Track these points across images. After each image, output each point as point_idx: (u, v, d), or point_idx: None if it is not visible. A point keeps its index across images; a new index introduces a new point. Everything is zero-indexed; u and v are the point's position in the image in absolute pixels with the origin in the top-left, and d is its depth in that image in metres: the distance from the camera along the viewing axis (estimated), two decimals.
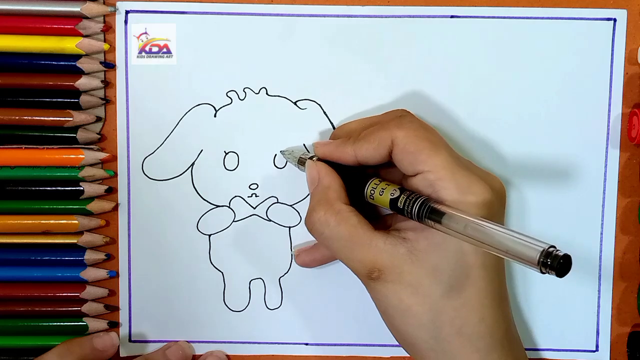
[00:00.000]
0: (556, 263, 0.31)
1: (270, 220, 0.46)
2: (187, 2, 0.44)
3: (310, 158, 0.42)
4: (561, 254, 0.31)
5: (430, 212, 0.36)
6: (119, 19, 0.44)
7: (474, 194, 0.37)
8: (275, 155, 0.45)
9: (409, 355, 0.46)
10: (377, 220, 0.43)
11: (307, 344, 0.46)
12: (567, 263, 0.31)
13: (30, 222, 0.44)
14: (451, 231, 0.35)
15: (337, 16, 0.44)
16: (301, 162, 0.43)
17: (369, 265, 0.38)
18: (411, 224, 0.38)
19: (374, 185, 0.39)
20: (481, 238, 0.33)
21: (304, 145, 0.45)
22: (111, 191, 0.45)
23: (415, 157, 0.38)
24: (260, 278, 0.46)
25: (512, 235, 0.32)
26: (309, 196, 0.41)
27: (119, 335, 0.46)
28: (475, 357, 0.37)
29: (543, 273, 0.31)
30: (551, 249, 0.31)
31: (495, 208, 0.38)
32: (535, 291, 0.46)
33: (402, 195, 0.38)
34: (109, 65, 0.44)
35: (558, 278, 0.31)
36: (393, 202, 0.38)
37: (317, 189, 0.41)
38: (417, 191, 0.38)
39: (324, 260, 0.45)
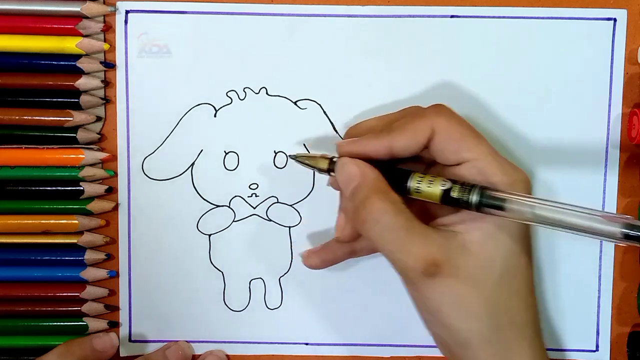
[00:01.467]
0: None
1: (270, 220, 0.46)
2: (187, 1, 0.44)
3: (331, 158, 0.41)
4: None
5: (491, 199, 0.36)
6: (119, 18, 0.44)
7: (521, 180, 0.37)
8: (276, 155, 0.45)
9: (409, 355, 0.46)
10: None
11: (307, 344, 0.46)
12: None
13: (30, 222, 0.44)
14: (518, 216, 0.35)
15: (337, 16, 0.44)
16: (323, 163, 0.40)
17: (427, 259, 0.36)
18: (457, 217, 0.37)
19: (419, 178, 0.38)
20: (554, 219, 0.33)
21: (304, 145, 0.45)
22: (111, 191, 0.45)
23: (461, 144, 0.37)
24: (260, 278, 0.46)
25: (587, 213, 0.33)
26: (352, 192, 0.38)
27: (118, 335, 0.46)
28: (524, 344, 0.37)
29: (627, 244, 0.33)
30: (631, 221, 0.32)
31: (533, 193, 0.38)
32: (536, 291, 0.46)
33: (456, 185, 0.37)
34: (109, 65, 0.44)
35: None
36: (445, 193, 0.37)
37: (365, 182, 0.38)
38: (462, 179, 0.37)
39: (334, 262, 0.44)
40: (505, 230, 0.37)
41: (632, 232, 0.32)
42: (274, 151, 0.45)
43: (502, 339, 0.37)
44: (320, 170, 0.41)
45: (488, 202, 0.36)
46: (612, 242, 0.32)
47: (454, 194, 0.36)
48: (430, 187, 0.37)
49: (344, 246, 0.43)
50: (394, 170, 0.39)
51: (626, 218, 0.32)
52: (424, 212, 0.40)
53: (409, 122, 0.38)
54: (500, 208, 0.35)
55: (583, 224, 0.33)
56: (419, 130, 0.38)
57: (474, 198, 0.36)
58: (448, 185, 0.37)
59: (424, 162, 0.41)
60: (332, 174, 0.40)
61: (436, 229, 0.38)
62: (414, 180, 0.38)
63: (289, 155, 0.44)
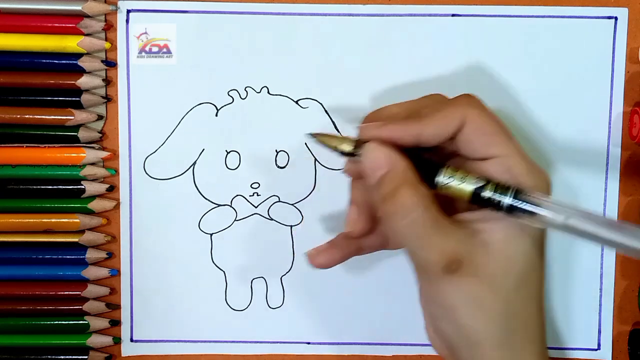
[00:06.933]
0: None
1: (272, 219, 0.46)
2: (188, 1, 0.44)
3: (357, 141, 0.37)
4: None
5: (525, 203, 0.34)
6: (120, 17, 0.44)
7: (545, 182, 0.36)
8: (277, 154, 0.45)
9: (411, 354, 0.46)
10: None
11: (309, 343, 0.46)
12: None
13: (31, 220, 0.44)
14: (548, 223, 0.33)
15: (339, 15, 0.44)
16: (347, 146, 0.37)
17: (450, 256, 0.35)
18: (480, 215, 0.36)
19: (451, 173, 0.35)
20: (587, 231, 0.32)
21: (306, 144, 0.45)
22: (112, 190, 0.45)
23: (492, 138, 0.36)
24: (262, 277, 0.46)
25: (620, 227, 0.31)
26: (379, 181, 0.36)
27: (120, 335, 0.46)
28: (533, 348, 0.36)
29: None
30: None
31: None
32: None
33: (489, 185, 0.35)
34: (110, 64, 0.44)
35: None
36: (476, 192, 0.35)
37: (394, 172, 0.36)
38: (489, 177, 0.35)
39: (341, 260, 0.41)
40: (527, 232, 0.35)
41: None
42: (276, 150, 0.45)
43: (513, 342, 0.36)
44: (343, 153, 0.37)
45: (521, 207, 0.34)
46: None
47: (486, 193, 0.34)
48: (461, 185, 0.35)
49: (352, 242, 0.41)
50: (424, 162, 0.36)
51: None
52: (445, 205, 0.37)
53: (439, 110, 0.36)
54: (532, 213, 0.33)
55: (617, 240, 0.31)
56: (449, 119, 0.36)
57: (507, 201, 0.34)
58: (481, 183, 0.35)
59: (443, 153, 0.38)
60: (354, 158, 0.37)
61: (459, 224, 0.36)
62: (445, 175, 0.36)
63: (308, 134, 0.39)
